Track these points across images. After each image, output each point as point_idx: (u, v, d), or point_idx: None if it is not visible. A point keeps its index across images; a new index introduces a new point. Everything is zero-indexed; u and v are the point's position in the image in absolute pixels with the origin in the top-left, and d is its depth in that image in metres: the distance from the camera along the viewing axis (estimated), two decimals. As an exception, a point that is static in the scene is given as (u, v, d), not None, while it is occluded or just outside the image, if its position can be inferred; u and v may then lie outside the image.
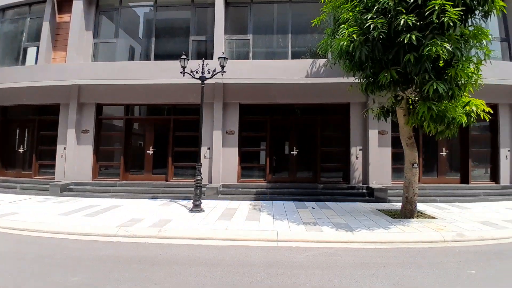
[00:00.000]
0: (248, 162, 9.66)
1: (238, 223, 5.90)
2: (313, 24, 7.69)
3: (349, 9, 5.72)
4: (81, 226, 5.61)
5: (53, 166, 9.81)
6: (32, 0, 10.59)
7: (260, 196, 8.58)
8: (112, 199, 8.44)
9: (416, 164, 6.52)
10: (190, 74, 7.57)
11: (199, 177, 7.06)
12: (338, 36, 5.97)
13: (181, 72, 7.56)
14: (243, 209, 7.23)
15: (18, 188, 9.33)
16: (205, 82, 7.51)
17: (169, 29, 10.53)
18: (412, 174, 6.50)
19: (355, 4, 5.65)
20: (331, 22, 7.58)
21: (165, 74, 8.90)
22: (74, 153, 9.60)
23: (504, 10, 5.96)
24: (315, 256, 4.30)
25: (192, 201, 7.11)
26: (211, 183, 9.05)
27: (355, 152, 9.21)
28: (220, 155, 9.16)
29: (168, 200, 8.35)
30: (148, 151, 9.90)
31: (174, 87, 9.38)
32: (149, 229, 5.42)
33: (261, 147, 9.69)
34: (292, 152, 9.63)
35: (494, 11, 5.65)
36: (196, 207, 6.92)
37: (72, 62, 9.56)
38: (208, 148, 9.28)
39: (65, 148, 9.65)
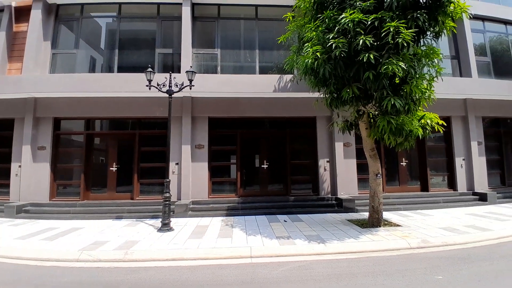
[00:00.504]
0: (218, 177, 9.51)
1: (210, 240, 5.73)
2: (279, 41, 7.95)
3: (313, 28, 6.01)
4: (40, 251, 5.14)
5: (7, 186, 8.93)
6: (-14, 9, 9.82)
7: (232, 211, 8.45)
8: (72, 221, 7.83)
9: (379, 175, 6.86)
10: (157, 88, 7.39)
11: (167, 194, 6.80)
12: (303, 54, 6.22)
13: (147, 85, 7.35)
14: (215, 226, 7.06)
15: (-33, 210, 8.32)
16: (172, 95, 7.37)
17: (134, 41, 10.23)
18: (377, 184, 6.82)
19: (318, 24, 5.96)
20: (296, 39, 7.91)
21: (129, 87, 8.59)
22: (30, 172, 8.83)
23: (454, 30, 6.56)
24: (290, 271, 4.30)
25: (160, 219, 6.80)
26: (180, 199, 8.75)
27: (323, 164, 9.49)
28: (189, 171, 8.93)
29: (135, 219, 7.91)
30: (111, 168, 9.36)
31: (139, 100, 9.08)
32: (114, 252, 5.07)
33: (231, 161, 9.62)
34: (262, 166, 9.68)
35: (445, 31, 6.22)
36: (165, 226, 6.63)
37: (29, 74, 8.89)
38: (177, 164, 9.02)
39: (20, 166, 8.84)
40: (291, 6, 7.72)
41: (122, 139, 9.69)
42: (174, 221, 7.27)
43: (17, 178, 8.86)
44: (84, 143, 9.38)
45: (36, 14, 9.30)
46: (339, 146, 9.38)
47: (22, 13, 9.69)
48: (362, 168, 9.43)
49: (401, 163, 10.20)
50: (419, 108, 6.47)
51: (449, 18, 6.08)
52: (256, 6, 9.99)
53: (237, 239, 5.83)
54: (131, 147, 9.42)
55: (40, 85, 8.64)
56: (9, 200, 8.79)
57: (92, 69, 10.18)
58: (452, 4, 5.83)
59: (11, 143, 9.10)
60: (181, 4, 9.42)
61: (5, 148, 9.19)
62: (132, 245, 5.44)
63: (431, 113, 6.72)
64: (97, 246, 5.44)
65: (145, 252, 5.07)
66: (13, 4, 9.66)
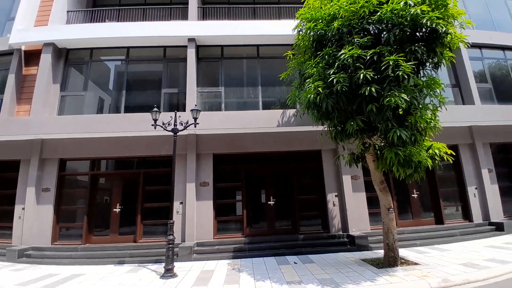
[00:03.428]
0: (224, 215, 9.19)
1: (215, 288, 5.35)
2: (280, 78, 8.13)
3: (313, 65, 6.14)
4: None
5: (11, 228, 8.74)
6: (-3, 52, 10.30)
7: (238, 253, 8.02)
8: (74, 267, 7.50)
9: (391, 209, 6.55)
10: (162, 127, 7.46)
11: (171, 237, 6.50)
12: (305, 89, 6.29)
13: (152, 125, 7.43)
14: (221, 271, 6.64)
15: (-30, 254, 8.08)
16: (177, 134, 7.41)
17: (141, 82, 10.61)
18: (389, 219, 6.48)
19: (318, 61, 6.09)
20: (297, 75, 8.09)
21: (135, 127, 8.71)
22: (33, 214, 8.68)
23: (454, 60, 6.63)
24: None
25: (163, 264, 6.45)
26: (184, 241, 8.39)
27: (332, 198, 9.17)
28: (194, 210, 8.67)
29: (137, 264, 7.52)
30: (114, 209, 9.16)
31: (144, 139, 9.15)
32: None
33: (237, 198, 9.36)
34: (269, 202, 9.38)
35: (444, 61, 6.26)
36: (168, 272, 6.25)
37: (37, 116, 9.09)
38: (181, 203, 8.79)
39: (23, 208, 8.71)
40: (291, 45, 8.02)
41: (127, 178, 9.61)
42: (178, 266, 6.89)
43: (20, 220, 8.69)
44: (88, 184, 9.31)
45: (46, 58, 9.64)
46: (346, 180, 9.12)
47: (32, 57, 10.04)
48: (372, 202, 9.07)
49: (412, 195, 9.82)
50: (426, 138, 6.35)
51: (447, 49, 6.17)
52: (258, 46, 10.41)
53: (245, 285, 5.43)
54: (135, 187, 9.29)
55: (48, 126, 8.81)
56: (11, 243, 8.56)
57: (100, 110, 10.44)
58: (449, 35, 5.91)
59: (16, 184, 9.07)
60: (186, 46, 9.86)
61: (10, 190, 9.13)
62: (132, 295, 5.09)
63: (438, 142, 6.59)
64: (95, 296, 5.10)
65: (146, 303, 4.71)
66: (23, 48, 10.01)
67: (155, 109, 7.46)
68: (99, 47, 10.39)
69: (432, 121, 6.25)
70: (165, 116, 8.06)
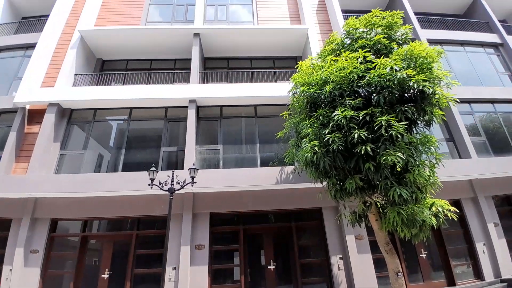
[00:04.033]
0: (220, 283, 8.46)
1: None
2: (277, 137, 8.32)
3: (308, 125, 6.33)
4: None
5: (-1, 290, 8.01)
6: (1, 109, 10.52)
7: (235, 326, 7.22)
8: None
9: (400, 273, 6.11)
10: (158, 186, 7.38)
11: (160, 309, 5.92)
12: (302, 147, 6.38)
13: (149, 184, 7.36)
14: None
15: None
16: (174, 193, 7.27)
17: (141, 139, 10.81)
18: (399, 285, 6.01)
19: (313, 121, 6.30)
20: (294, 134, 8.29)
21: (132, 186, 8.56)
22: (20, 277, 8.03)
23: (444, 118, 6.80)
24: None
25: None
26: (176, 312, 7.61)
27: (336, 261, 8.56)
28: (187, 276, 7.99)
29: None
30: (103, 275, 8.49)
31: (139, 198, 8.93)
32: None
33: (234, 261, 8.76)
34: (269, 267, 8.73)
35: (435, 119, 6.45)
36: None
37: (33, 174, 9.00)
38: (174, 268, 8.15)
39: (11, 269, 8.09)
40: (287, 104, 8.38)
41: (118, 241, 9.12)
42: None
43: (7, 282, 7.98)
44: (78, 246, 8.80)
45: (49, 118, 9.85)
46: (350, 240, 8.65)
47: (35, 116, 10.25)
48: (379, 264, 8.47)
49: (421, 255, 9.22)
50: (427, 195, 6.22)
51: (436, 107, 6.40)
52: (255, 106, 10.89)
53: None
54: (126, 250, 8.76)
55: (44, 185, 8.67)
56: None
57: (98, 167, 10.39)
58: (437, 95, 6.20)
59: (6, 244, 8.55)
60: (187, 107, 10.29)
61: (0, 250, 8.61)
62: None
63: (440, 199, 6.45)
64: None
65: None
66: (28, 107, 10.29)
67: (153, 168, 7.46)
68: (103, 107, 10.82)
69: (431, 177, 6.20)
70: (163, 175, 8.00)
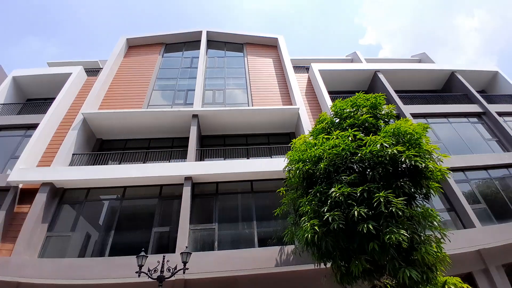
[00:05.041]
0: None
1: None
2: (275, 214, 8.04)
3: (306, 202, 6.20)
4: None
5: None
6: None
7: None
8: None
9: None
10: (147, 274, 6.73)
11: None
12: (301, 226, 6.10)
13: (136, 272, 6.72)
14: None
15: None
16: (164, 281, 6.59)
17: (132, 218, 10.30)
18: None
19: (310, 198, 6.20)
20: (292, 210, 8.06)
21: (119, 272, 7.79)
22: None
23: (441, 190, 6.76)
24: None
25: None
26: None
27: None
28: None
29: None
30: None
31: (128, 286, 8.02)
32: None
33: None
34: None
35: (432, 192, 6.41)
36: None
37: (17, 257, 8.26)
38: None
39: None
40: (283, 179, 8.33)
41: None
42: None
43: None
44: None
45: (41, 198, 9.56)
46: (364, 332, 7.59)
47: (26, 195, 9.94)
48: None
49: None
50: (437, 273, 5.75)
51: (432, 180, 6.42)
52: (251, 181, 10.86)
53: None
54: None
55: (26, 270, 7.89)
56: None
57: (84, 248, 9.51)
58: (430, 168, 6.26)
59: None
60: (182, 184, 10.18)
61: None
62: None
63: (452, 277, 5.98)
64: None
65: None
66: (20, 186, 10.05)
67: (142, 252, 6.94)
68: (96, 187, 10.64)
69: (439, 254, 5.84)
70: (153, 259, 7.38)
